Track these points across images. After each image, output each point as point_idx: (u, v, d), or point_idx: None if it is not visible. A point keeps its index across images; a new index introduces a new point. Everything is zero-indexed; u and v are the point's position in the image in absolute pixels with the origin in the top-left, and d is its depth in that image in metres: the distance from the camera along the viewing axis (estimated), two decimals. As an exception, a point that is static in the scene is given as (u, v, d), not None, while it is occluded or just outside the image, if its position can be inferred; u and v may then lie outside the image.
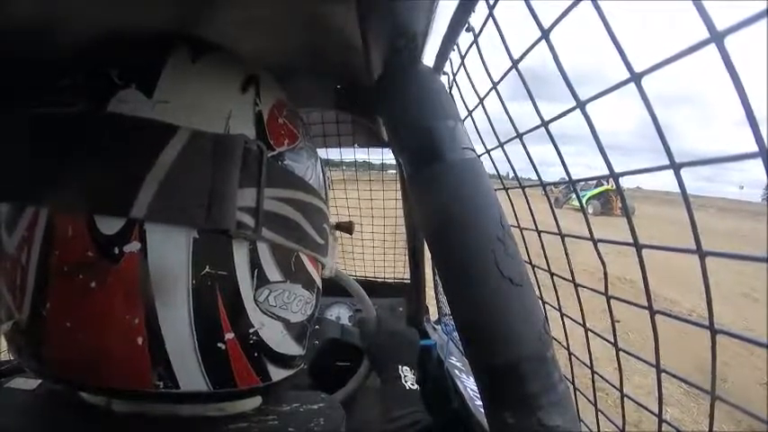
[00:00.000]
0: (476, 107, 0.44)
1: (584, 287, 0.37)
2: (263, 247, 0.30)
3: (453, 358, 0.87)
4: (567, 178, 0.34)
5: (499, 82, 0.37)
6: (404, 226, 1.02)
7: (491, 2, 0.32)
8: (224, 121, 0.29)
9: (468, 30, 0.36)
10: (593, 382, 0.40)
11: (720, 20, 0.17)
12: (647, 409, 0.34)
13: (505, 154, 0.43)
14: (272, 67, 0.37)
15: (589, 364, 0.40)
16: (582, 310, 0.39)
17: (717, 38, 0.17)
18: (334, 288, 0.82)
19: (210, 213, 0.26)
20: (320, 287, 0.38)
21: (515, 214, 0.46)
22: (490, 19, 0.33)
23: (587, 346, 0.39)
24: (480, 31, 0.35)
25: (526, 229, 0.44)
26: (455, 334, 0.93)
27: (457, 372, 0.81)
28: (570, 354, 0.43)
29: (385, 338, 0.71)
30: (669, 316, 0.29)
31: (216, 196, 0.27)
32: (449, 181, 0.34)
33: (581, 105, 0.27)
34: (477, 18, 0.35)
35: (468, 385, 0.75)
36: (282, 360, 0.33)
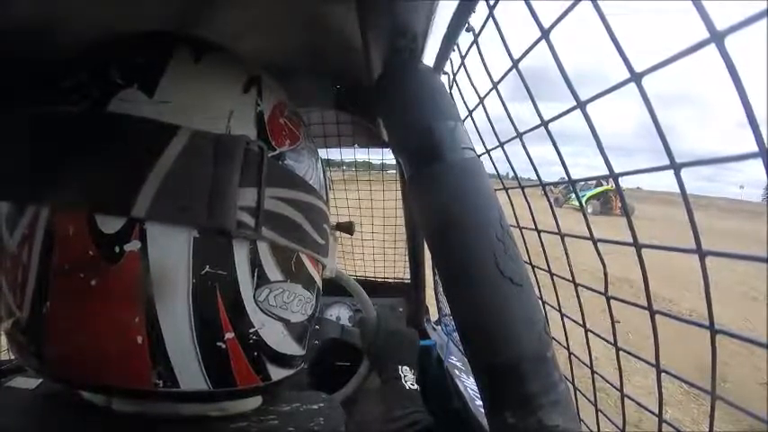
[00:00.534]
0: (476, 107, 0.44)
1: (585, 287, 0.37)
2: (264, 246, 0.30)
3: (453, 358, 0.87)
4: (566, 178, 0.34)
5: (499, 82, 0.37)
6: (404, 226, 1.02)
7: (491, 2, 0.32)
8: (225, 121, 0.29)
9: (468, 30, 0.36)
10: (593, 382, 0.40)
11: (720, 20, 0.17)
12: (647, 409, 0.34)
13: (505, 154, 0.43)
14: (272, 67, 0.37)
15: (589, 364, 0.40)
16: (582, 310, 0.39)
17: (717, 38, 0.17)
18: (335, 288, 0.83)
19: (211, 213, 0.26)
20: (320, 287, 0.38)
21: (515, 214, 0.46)
22: (490, 19, 0.33)
23: (587, 346, 0.39)
24: (480, 31, 0.35)
25: (526, 228, 0.44)
26: (455, 334, 0.93)
27: (457, 372, 0.81)
28: (570, 354, 0.43)
29: (385, 338, 0.71)
30: (669, 316, 0.29)
31: (216, 196, 0.27)
32: (449, 181, 0.34)
33: (581, 105, 0.27)
34: (477, 18, 0.35)
35: (468, 385, 0.75)
36: (283, 360, 0.33)
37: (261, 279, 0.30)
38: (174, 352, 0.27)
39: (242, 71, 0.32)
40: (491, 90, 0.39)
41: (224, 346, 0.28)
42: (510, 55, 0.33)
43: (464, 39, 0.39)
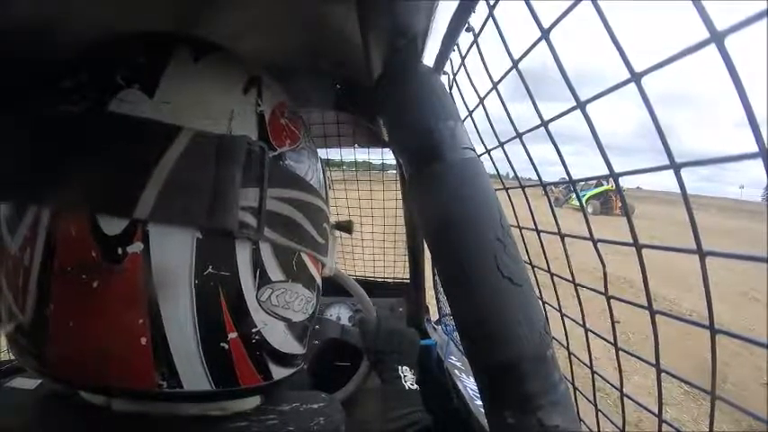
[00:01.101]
0: (476, 107, 0.44)
1: (585, 287, 0.37)
2: (265, 246, 0.30)
3: (453, 358, 0.87)
4: (567, 178, 0.34)
5: (499, 82, 0.37)
6: (404, 226, 1.02)
7: (491, 2, 0.32)
8: (226, 121, 0.29)
9: (468, 30, 0.36)
10: (593, 382, 0.40)
11: (720, 20, 0.17)
12: (646, 409, 0.34)
13: (505, 154, 0.43)
14: (272, 67, 0.37)
15: (589, 364, 0.40)
16: (582, 310, 0.39)
17: (717, 38, 0.17)
18: (335, 288, 0.82)
19: (214, 213, 0.26)
20: (320, 286, 0.38)
21: (515, 214, 0.46)
22: (490, 19, 0.33)
23: (587, 346, 0.39)
24: (480, 31, 0.35)
25: (526, 228, 0.44)
26: (455, 334, 0.93)
27: (457, 372, 0.81)
28: (570, 354, 0.43)
29: (385, 338, 0.71)
30: (669, 316, 0.29)
31: (219, 196, 0.27)
32: (449, 181, 0.34)
33: (581, 105, 0.27)
34: (477, 18, 0.35)
35: (468, 385, 0.75)
36: (284, 359, 0.33)
37: (263, 279, 0.30)
38: (177, 353, 0.27)
39: (242, 71, 0.32)
40: (491, 90, 0.39)
41: (227, 346, 0.28)
42: (510, 55, 0.33)
43: (464, 39, 0.39)
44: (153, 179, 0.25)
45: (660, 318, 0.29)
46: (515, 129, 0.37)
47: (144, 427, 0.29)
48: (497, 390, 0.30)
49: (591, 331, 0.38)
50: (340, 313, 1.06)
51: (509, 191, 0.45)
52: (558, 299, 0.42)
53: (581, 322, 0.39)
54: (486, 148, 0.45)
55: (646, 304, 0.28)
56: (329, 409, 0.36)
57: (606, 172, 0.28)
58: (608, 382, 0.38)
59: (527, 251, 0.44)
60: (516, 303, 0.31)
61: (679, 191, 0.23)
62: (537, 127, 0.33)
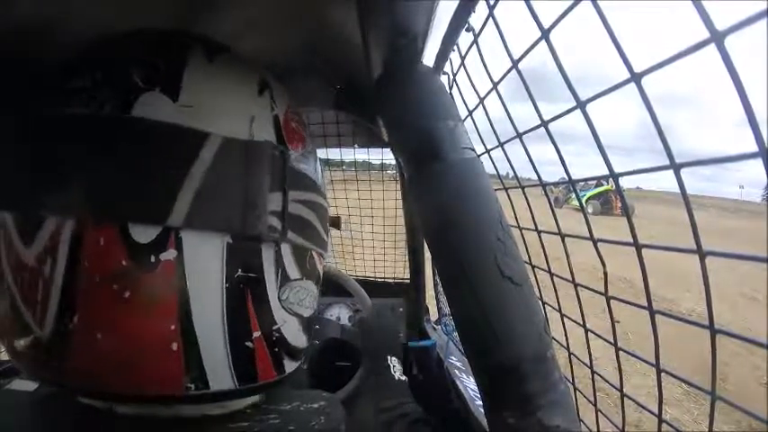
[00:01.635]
0: (476, 107, 0.44)
1: (585, 287, 0.37)
2: (286, 247, 0.31)
3: (453, 358, 0.87)
4: (566, 178, 0.34)
5: (499, 82, 0.37)
6: (404, 226, 1.02)
7: (491, 2, 0.32)
8: (248, 125, 0.29)
9: (468, 30, 0.36)
10: (593, 382, 0.40)
11: (720, 20, 0.17)
12: (646, 409, 0.34)
13: (505, 154, 0.43)
14: (272, 67, 0.37)
15: (589, 364, 0.40)
16: (582, 310, 0.39)
17: (717, 38, 0.17)
18: (335, 288, 0.82)
19: (246, 219, 0.27)
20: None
21: (515, 214, 0.46)
22: (490, 19, 0.33)
23: (587, 346, 0.39)
24: (480, 31, 0.35)
25: (526, 228, 0.44)
26: (455, 334, 0.93)
27: (457, 372, 0.81)
28: (570, 354, 0.43)
29: (378, 334, 0.72)
30: (669, 316, 0.29)
31: (250, 202, 0.27)
32: (449, 181, 0.34)
33: (581, 105, 0.27)
34: (477, 18, 0.35)
35: (468, 385, 0.75)
36: (295, 353, 0.34)
37: (283, 278, 0.31)
38: (207, 355, 0.27)
39: (252, 72, 0.32)
40: (491, 90, 0.39)
41: (252, 345, 0.29)
42: (510, 55, 0.33)
43: (464, 39, 0.39)
44: (186, 186, 0.25)
45: (660, 317, 0.29)
46: (515, 129, 0.37)
47: (145, 429, 0.29)
48: (497, 390, 0.30)
49: (591, 331, 0.38)
50: (340, 313, 1.06)
51: (509, 191, 0.45)
52: (557, 299, 0.42)
53: (581, 322, 0.39)
54: (486, 148, 0.45)
55: (646, 304, 0.28)
56: (330, 409, 0.36)
57: (606, 172, 0.28)
58: (608, 383, 0.38)
59: (527, 251, 0.44)
60: (516, 303, 0.31)
61: (679, 191, 0.23)
62: (537, 127, 0.33)
